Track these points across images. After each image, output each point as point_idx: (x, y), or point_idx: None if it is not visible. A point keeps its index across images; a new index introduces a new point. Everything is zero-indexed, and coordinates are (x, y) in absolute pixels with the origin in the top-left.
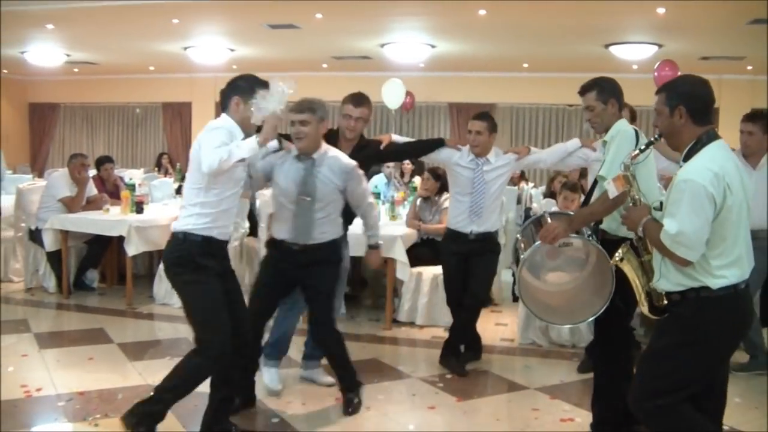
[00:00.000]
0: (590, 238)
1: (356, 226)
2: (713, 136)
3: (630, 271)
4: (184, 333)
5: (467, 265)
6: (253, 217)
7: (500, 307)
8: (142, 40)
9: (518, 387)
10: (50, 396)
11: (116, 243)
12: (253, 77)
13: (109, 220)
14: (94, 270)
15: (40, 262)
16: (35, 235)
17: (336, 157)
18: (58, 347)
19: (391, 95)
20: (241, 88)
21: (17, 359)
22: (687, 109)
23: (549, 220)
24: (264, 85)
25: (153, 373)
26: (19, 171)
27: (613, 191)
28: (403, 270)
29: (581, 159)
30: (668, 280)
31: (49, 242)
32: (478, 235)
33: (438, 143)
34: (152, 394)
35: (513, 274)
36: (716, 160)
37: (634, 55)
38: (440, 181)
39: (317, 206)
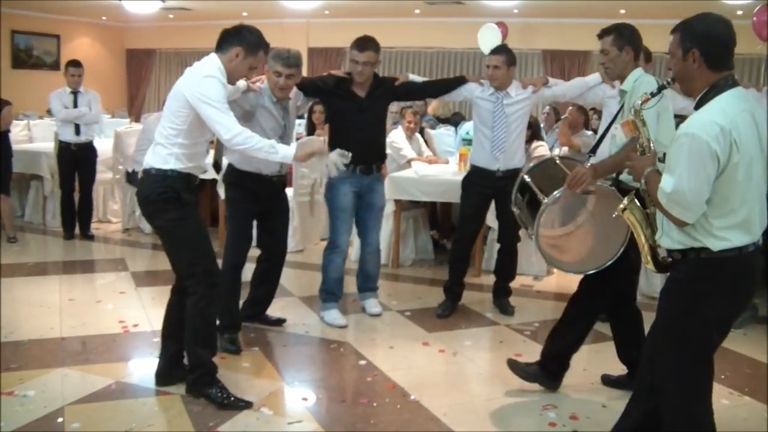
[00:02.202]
0: (611, 187)
1: (441, 171)
2: (730, 84)
3: (634, 222)
4: None
5: (497, 205)
6: None
7: None
8: None
9: (608, 338)
10: (146, 332)
11: (209, 185)
12: (261, 36)
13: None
14: None
15: (137, 204)
16: (132, 178)
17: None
18: (154, 285)
19: (487, 41)
20: (247, 41)
21: (115, 296)
22: (701, 52)
23: (557, 162)
24: (266, 47)
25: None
26: (117, 115)
27: (621, 137)
28: (493, 217)
29: (599, 95)
30: (669, 237)
31: None
32: (505, 172)
33: (460, 80)
34: (186, 363)
35: (516, 216)
36: (727, 113)
37: None
38: (531, 129)
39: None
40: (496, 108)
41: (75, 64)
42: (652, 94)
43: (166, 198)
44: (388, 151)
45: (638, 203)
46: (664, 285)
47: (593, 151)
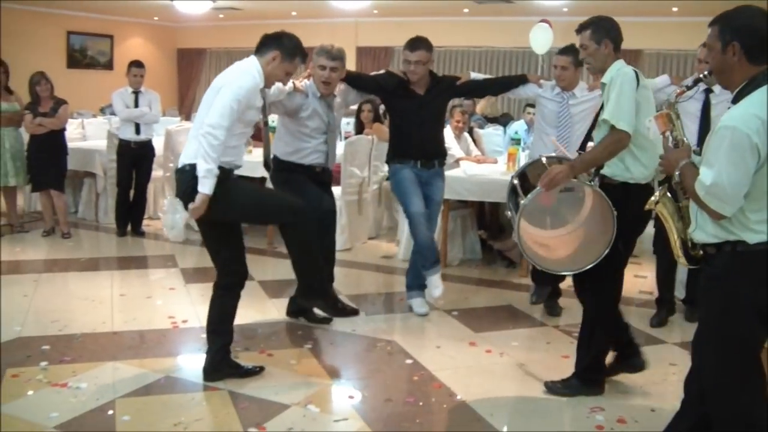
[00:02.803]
0: (592, 182)
1: (489, 171)
2: None
3: (665, 215)
4: None
5: None
6: None
7: (639, 258)
8: None
9: (656, 341)
10: (195, 328)
11: (258, 183)
12: (299, 43)
13: (252, 161)
14: None
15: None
16: None
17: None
18: (203, 282)
19: (539, 40)
20: (285, 46)
21: (165, 292)
22: (742, 45)
23: (545, 163)
24: (304, 54)
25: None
26: (168, 114)
27: (655, 130)
28: None
29: (667, 96)
30: (704, 230)
31: None
32: None
33: (521, 79)
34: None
35: (510, 218)
36: (766, 106)
37: None
38: None
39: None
40: (561, 108)
41: (138, 64)
42: (688, 87)
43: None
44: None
45: (670, 196)
46: (701, 284)
47: (582, 148)
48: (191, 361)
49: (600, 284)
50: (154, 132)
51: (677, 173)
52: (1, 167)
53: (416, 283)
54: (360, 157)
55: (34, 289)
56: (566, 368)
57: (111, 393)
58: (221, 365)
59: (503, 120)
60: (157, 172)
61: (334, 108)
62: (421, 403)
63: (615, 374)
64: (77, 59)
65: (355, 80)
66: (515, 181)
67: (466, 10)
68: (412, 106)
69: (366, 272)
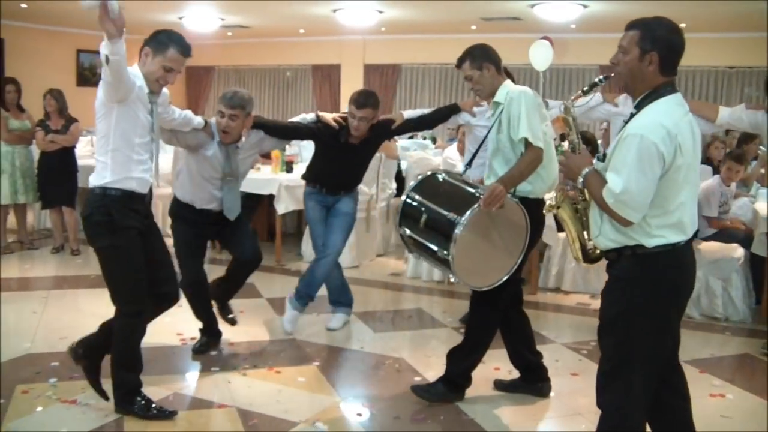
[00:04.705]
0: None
1: None
2: (672, 89)
3: (565, 219)
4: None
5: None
6: (400, 178)
7: None
8: (292, 3)
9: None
10: None
11: (266, 201)
12: (173, 36)
13: (260, 178)
14: None
15: None
16: None
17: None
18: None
19: (539, 57)
20: (156, 40)
21: (173, 309)
22: (660, 56)
23: (443, 178)
24: (180, 46)
25: (299, 328)
26: None
27: (551, 133)
28: (551, 234)
29: (603, 113)
30: (606, 237)
31: None
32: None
33: (453, 109)
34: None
35: (402, 236)
36: (671, 116)
37: None
38: (590, 145)
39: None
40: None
41: None
42: (584, 92)
43: (99, 221)
44: (443, 166)
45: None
46: (604, 286)
47: (469, 164)
48: (200, 378)
49: (498, 296)
50: (162, 149)
51: (581, 180)
52: (12, 185)
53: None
54: (368, 175)
55: (43, 306)
56: (575, 385)
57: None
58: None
59: None
60: (165, 189)
61: (237, 156)
62: (429, 421)
63: (517, 392)
64: (87, 77)
65: (279, 131)
66: (414, 195)
67: (473, 27)
68: (345, 154)
69: (374, 289)
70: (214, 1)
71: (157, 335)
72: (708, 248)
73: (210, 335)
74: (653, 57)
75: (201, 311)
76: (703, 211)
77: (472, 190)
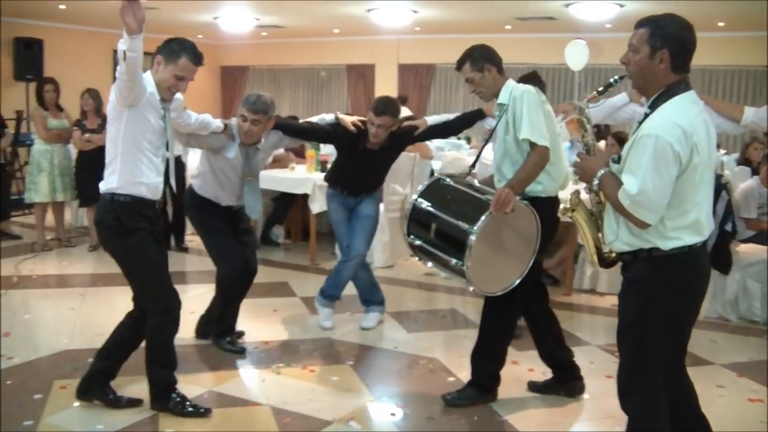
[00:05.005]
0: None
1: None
2: (686, 87)
3: (580, 222)
4: None
5: None
6: None
7: None
8: (327, 3)
9: (702, 362)
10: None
11: (301, 200)
12: (185, 44)
13: (295, 178)
14: (280, 226)
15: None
16: None
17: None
18: (246, 298)
19: (574, 57)
20: (168, 48)
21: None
22: (671, 54)
23: (448, 182)
24: (192, 55)
25: (334, 328)
26: None
27: (566, 135)
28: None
29: (629, 114)
30: (620, 240)
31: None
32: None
33: (478, 114)
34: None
35: (411, 245)
36: (686, 115)
37: None
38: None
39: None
40: None
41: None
42: (599, 92)
43: (110, 225)
44: (477, 168)
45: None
46: (621, 290)
47: (473, 165)
48: (234, 376)
49: (511, 298)
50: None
51: (596, 182)
52: (50, 183)
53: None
54: (402, 175)
55: (80, 303)
56: (609, 387)
57: None
58: (94, 385)
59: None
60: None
61: (256, 157)
62: (462, 421)
63: (550, 393)
64: None
65: (296, 132)
66: (420, 201)
67: (508, 27)
68: (364, 159)
69: (408, 289)
70: (249, 0)
71: (193, 333)
72: (746, 250)
73: (232, 332)
74: (664, 54)
75: (235, 303)
76: (741, 212)
77: (481, 196)
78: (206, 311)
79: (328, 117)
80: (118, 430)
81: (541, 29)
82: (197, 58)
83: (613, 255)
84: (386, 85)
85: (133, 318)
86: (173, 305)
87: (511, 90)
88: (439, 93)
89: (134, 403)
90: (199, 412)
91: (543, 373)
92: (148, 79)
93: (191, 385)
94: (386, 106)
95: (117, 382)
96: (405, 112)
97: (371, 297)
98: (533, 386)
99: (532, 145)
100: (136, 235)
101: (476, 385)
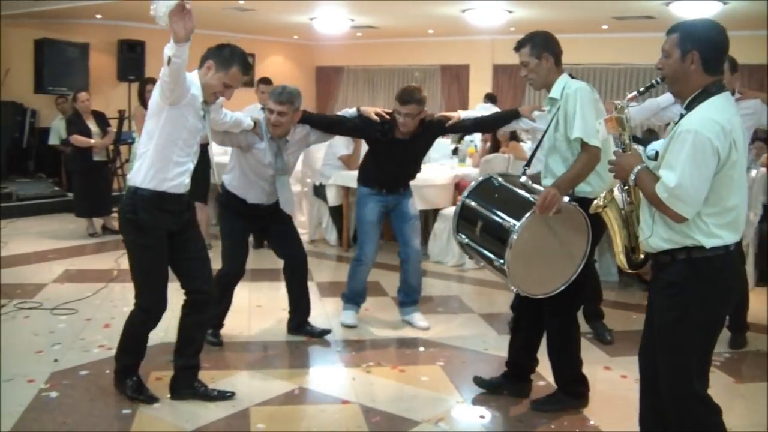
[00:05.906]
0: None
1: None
2: (721, 88)
3: (611, 220)
4: (455, 291)
5: None
6: None
7: None
8: (421, 4)
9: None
10: (329, 341)
11: None
12: (237, 53)
13: None
14: None
15: (323, 216)
16: (319, 191)
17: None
18: (337, 296)
19: None
20: (221, 55)
21: None
22: (701, 55)
23: (499, 181)
24: (242, 65)
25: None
26: None
27: (604, 133)
28: None
29: (674, 114)
30: (659, 237)
31: (332, 197)
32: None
33: (513, 114)
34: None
35: (460, 243)
36: (723, 113)
37: None
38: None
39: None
40: None
41: (266, 81)
42: (640, 93)
43: (128, 218)
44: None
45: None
46: (655, 291)
47: (528, 164)
48: (325, 374)
49: (571, 303)
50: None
51: (632, 178)
52: None
53: (410, 299)
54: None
55: (177, 297)
56: None
57: (246, 401)
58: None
59: (645, 139)
60: (294, 187)
61: (287, 151)
62: (552, 426)
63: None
64: None
65: (323, 125)
66: (469, 201)
67: (605, 27)
68: (396, 149)
69: (498, 291)
70: (344, 1)
71: (284, 330)
72: None
73: (218, 326)
74: (694, 56)
75: (222, 302)
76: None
77: (528, 195)
78: (290, 309)
79: (350, 111)
80: (209, 422)
81: (640, 29)
82: (246, 69)
83: (641, 257)
84: (480, 86)
85: (189, 305)
86: (157, 308)
87: (564, 86)
88: (534, 94)
89: (225, 395)
90: (225, 396)
91: (635, 380)
92: (194, 79)
93: (283, 381)
94: (411, 95)
95: (212, 375)
96: (492, 109)
97: (415, 297)
98: (479, 381)
99: (583, 144)
100: (149, 234)
101: (564, 390)
